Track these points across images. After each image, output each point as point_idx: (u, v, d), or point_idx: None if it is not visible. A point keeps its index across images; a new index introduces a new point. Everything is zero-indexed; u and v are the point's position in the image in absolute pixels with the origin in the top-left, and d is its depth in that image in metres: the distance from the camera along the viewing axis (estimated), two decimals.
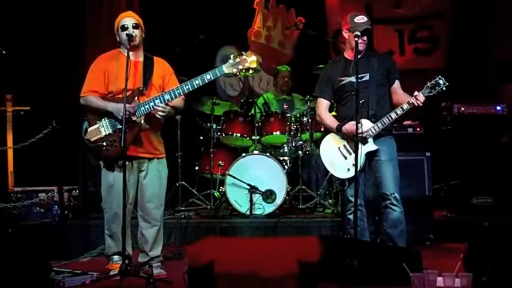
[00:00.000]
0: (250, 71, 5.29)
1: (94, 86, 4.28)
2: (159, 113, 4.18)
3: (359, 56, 4.37)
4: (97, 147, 4.21)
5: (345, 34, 4.56)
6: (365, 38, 4.45)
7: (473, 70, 7.32)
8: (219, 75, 4.22)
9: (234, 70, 4.22)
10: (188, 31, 6.93)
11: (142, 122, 4.18)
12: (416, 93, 4.35)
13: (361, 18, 4.45)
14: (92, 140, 4.22)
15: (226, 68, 4.21)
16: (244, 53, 4.23)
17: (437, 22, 7.81)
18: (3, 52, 6.08)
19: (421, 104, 4.33)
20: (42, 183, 6.11)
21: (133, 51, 4.26)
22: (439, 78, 4.34)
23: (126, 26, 4.27)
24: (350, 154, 4.48)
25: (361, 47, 4.40)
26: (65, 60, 6.78)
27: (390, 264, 3.79)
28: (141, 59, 4.34)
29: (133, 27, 4.27)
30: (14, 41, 6.53)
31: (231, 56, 4.21)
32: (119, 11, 7.23)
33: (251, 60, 4.21)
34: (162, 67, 4.41)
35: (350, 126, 4.38)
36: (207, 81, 4.18)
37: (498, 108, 6.04)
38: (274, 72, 7.26)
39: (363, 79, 4.45)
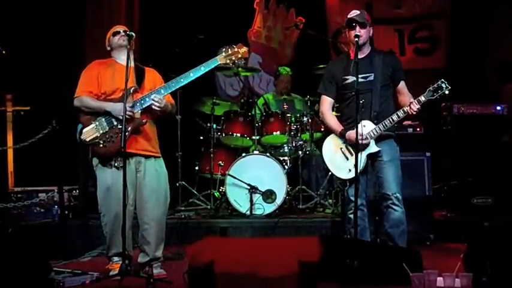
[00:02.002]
0: (250, 72, 5.29)
1: (88, 87, 4.31)
2: (155, 104, 4.20)
3: (363, 56, 4.36)
4: (93, 144, 4.23)
5: (347, 33, 4.55)
6: (358, 30, 4.37)
7: (473, 70, 7.32)
8: (212, 66, 4.26)
9: (228, 61, 4.27)
10: (188, 31, 6.93)
11: (139, 117, 4.22)
12: (411, 100, 4.33)
13: (352, 12, 4.45)
14: (88, 139, 4.24)
15: (220, 59, 4.26)
16: (235, 46, 4.30)
17: (438, 22, 7.82)
18: (3, 52, 6.06)
19: (414, 113, 4.32)
20: (42, 183, 6.11)
21: (122, 51, 4.29)
22: (442, 82, 4.29)
23: (118, 31, 4.40)
24: (351, 155, 4.46)
25: (360, 41, 4.35)
26: (65, 60, 6.77)
27: (390, 264, 3.79)
28: (132, 64, 4.35)
29: (125, 32, 4.35)
30: (14, 41, 6.52)
31: (223, 49, 4.27)
32: (119, 11, 7.26)
33: (242, 51, 4.30)
34: (153, 74, 4.50)
35: (353, 134, 4.28)
36: (201, 73, 4.22)
37: (498, 108, 6.05)
38: (275, 73, 7.26)
39: (368, 79, 4.43)
